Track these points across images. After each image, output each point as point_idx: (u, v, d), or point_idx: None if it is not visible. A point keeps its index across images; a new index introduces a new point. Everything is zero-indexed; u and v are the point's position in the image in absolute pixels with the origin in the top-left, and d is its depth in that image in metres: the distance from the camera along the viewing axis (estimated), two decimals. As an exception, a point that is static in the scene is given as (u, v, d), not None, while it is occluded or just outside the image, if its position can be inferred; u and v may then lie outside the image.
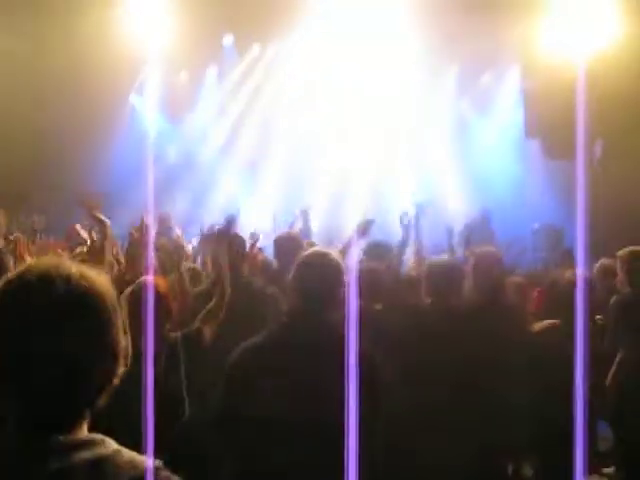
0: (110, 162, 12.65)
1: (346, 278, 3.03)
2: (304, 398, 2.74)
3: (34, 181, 12.27)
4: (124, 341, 1.35)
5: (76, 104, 12.15)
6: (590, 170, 10.53)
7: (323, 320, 2.96)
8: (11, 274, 1.33)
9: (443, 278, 4.29)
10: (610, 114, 9.48)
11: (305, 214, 11.20)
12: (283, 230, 7.73)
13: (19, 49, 11.39)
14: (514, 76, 12.88)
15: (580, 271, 3.84)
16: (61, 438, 1.27)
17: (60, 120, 12.20)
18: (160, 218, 9.57)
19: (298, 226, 11.52)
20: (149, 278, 3.80)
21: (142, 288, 3.63)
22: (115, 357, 1.33)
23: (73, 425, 1.30)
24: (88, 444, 1.29)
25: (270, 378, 2.79)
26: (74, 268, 1.32)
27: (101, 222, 4.72)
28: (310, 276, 3.00)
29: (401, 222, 5.23)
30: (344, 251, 4.71)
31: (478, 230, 10.34)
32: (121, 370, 1.34)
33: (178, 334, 3.79)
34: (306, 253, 3.18)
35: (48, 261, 1.33)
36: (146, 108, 14.01)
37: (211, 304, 3.92)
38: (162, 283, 3.89)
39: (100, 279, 1.34)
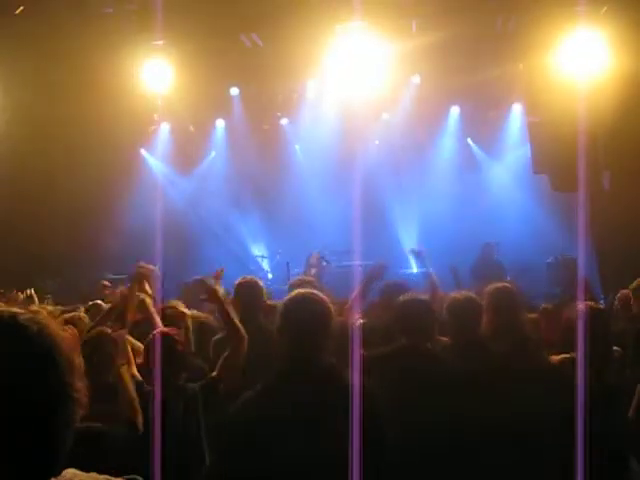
0: (122, 217, 12.73)
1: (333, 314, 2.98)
2: (307, 447, 2.69)
3: (48, 243, 12.27)
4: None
5: (86, 162, 12.25)
6: (600, 202, 10.51)
7: (319, 365, 2.91)
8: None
9: (468, 313, 4.22)
10: (616, 146, 9.50)
11: (318, 260, 11.23)
12: (296, 276, 7.76)
13: (35, 112, 11.48)
14: (518, 112, 12.95)
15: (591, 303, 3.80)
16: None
17: (72, 177, 12.32)
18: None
19: (312, 271, 11.57)
20: (161, 330, 3.85)
21: (155, 340, 3.66)
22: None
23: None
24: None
25: (272, 430, 2.74)
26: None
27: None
28: (302, 316, 2.93)
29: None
30: (358, 295, 4.72)
31: (484, 264, 10.32)
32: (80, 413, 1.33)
33: (196, 385, 3.78)
34: (291, 295, 3.08)
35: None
36: (156, 161, 14.17)
37: (227, 353, 3.88)
38: (175, 334, 3.89)
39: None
